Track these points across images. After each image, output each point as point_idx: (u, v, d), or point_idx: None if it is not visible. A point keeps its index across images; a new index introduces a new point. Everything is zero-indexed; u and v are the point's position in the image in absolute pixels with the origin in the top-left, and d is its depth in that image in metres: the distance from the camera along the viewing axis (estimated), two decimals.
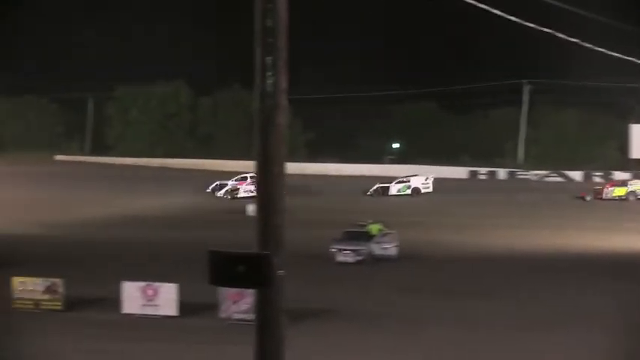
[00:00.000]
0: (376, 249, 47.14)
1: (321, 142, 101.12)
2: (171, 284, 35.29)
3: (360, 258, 46.22)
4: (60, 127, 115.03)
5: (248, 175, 77.55)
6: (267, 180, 10.52)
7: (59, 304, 36.05)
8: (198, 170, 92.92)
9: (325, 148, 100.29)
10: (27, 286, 36.29)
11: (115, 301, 35.58)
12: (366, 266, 45.67)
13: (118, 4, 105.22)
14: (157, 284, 35.46)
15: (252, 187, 72.82)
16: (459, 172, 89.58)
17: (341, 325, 33.64)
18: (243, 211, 62.09)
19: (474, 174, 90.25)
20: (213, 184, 77.71)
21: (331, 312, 35.43)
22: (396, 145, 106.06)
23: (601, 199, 70.94)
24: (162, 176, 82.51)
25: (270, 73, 10.31)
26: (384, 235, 48.44)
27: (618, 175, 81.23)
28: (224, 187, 76.58)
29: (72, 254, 49.47)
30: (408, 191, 74.40)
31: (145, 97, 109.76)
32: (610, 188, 71.86)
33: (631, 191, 70.89)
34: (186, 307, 34.97)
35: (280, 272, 10.37)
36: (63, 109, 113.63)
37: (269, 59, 10.30)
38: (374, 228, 48.57)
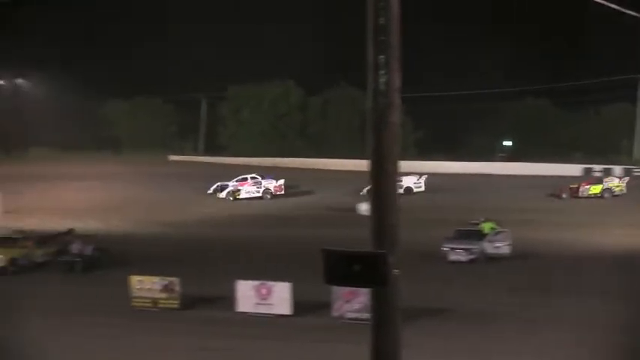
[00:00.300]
0: (489, 248, 46.66)
1: (431, 140, 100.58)
2: (284, 283, 35.53)
3: (472, 257, 45.83)
4: (174, 128, 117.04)
5: (248, 177, 78.14)
6: (381, 178, 10.49)
7: (176, 302, 36.66)
8: (309, 169, 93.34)
9: (435, 146, 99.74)
10: (145, 285, 37.01)
11: (229, 300, 36.02)
12: (479, 265, 45.24)
13: (230, 5, 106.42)
14: (270, 283, 35.75)
15: (255, 188, 73.61)
16: (573, 170, 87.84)
17: (455, 324, 33.38)
18: (354, 209, 62.24)
19: (588, 171, 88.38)
20: (215, 185, 77.08)
21: (445, 311, 35.19)
22: (507, 143, 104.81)
23: (577, 197, 70.32)
24: (274, 175, 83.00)
25: (382, 72, 10.28)
26: (497, 233, 47.91)
27: None
28: (225, 188, 76.00)
29: (188, 253, 50.33)
30: (401, 190, 73.31)
31: (257, 97, 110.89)
32: (586, 186, 71.19)
33: (606, 188, 70.42)
34: (300, 306, 35.17)
35: (396, 271, 10.33)
36: (177, 109, 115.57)
37: (382, 57, 10.27)
38: (486, 226, 48.11)
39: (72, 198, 73.00)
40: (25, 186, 76.42)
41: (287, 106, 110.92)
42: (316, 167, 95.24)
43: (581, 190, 70.76)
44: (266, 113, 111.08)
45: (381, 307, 10.63)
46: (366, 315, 30.70)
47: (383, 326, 10.62)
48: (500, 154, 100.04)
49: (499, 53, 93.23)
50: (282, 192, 75.10)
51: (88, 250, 46.52)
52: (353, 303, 33.52)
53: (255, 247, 52.19)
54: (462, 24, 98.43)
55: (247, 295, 35.67)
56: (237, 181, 76.71)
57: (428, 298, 35.61)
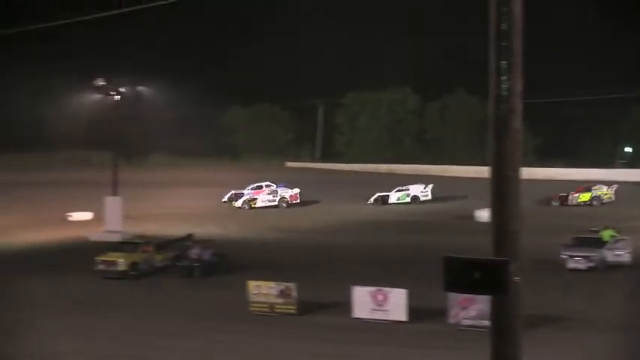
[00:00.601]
0: (609, 255, 45.65)
1: (550, 147, 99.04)
2: (400, 290, 35.40)
3: (591, 265, 44.88)
4: (291, 134, 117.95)
5: (263, 184, 77.94)
6: (503, 185, 10.40)
7: (292, 307, 36.86)
8: (426, 176, 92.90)
9: (554, 153, 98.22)
10: (262, 290, 37.33)
11: (345, 306, 36.07)
12: (599, 273, 44.31)
13: (347, 13, 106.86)
14: (386, 289, 35.68)
15: (270, 197, 73.03)
16: None
17: (574, 333, 32.78)
18: (471, 216, 61.76)
19: None
20: (229, 194, 76.96)
21: (564, 319, 34.57)
22: (628, 149, 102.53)
23: (567, 205, 70.32)
24: (389, 182, 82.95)
25: (504, 78, 10.20)
26: (617, 241, 46.83)
27: None
28: (240, 196, 75.84)
29: (304, 258, 50.64)
30: (408, 199, 74.46)
31: (374, 103, 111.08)
32: (575, 194, 71.25)
33: (595, 196, 70.62)
34: (415, 312, 35.00)
35: (516, 279, 10.22)
36: (294, 116, 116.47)
37: (504, 63, 10.19)
38: (606, 234, 47.09)
39: (191, 204, 74.21)
40: (145, 192, 78.04)
41: (404, 112, 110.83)
42: (432, 174, 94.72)
43: (570, 198, 71.11)
44: (382, 119, 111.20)
45: (501, 315, 10.53)
46: (483, 322, 30.50)
47: (503, 334, 10.52)
48: (621, 161, 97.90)
49: (618, 58, 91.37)
50: (298, 201, 74.89)
51: (207, 255, 47.13)
52: (469, 310, 33.26)
53: (371, 253, 52.16)
54: (581, 30, 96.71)
55: (363, 301, 35.67)
56: (252, 189, 77.16)
57: (546, 306, 35.03)
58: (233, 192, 76.89)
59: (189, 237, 51.28)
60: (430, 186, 75.58)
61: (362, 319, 35.42)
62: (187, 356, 31.40)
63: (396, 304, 35.26)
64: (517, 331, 10.53)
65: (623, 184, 75.23)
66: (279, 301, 37.03)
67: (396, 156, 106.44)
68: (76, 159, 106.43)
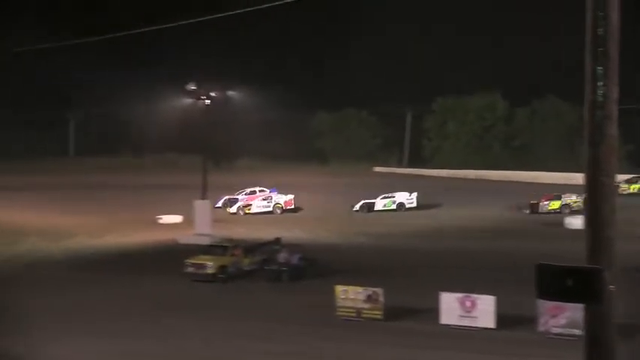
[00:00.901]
0: None
1: None
2: (489, 296, 35.13)
3: None
4: (379, 140, 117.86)
5: (257, 189, 77.65)
6: (598, 192, 10.26)
7: (379, 313, 36.83)
8: (515, 182, 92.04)
9: None
10: (349, 295, 37.38)
11: (433, 312, 35.90)
12: None
13: (435, 18, 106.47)
14: (474, 296, 35.44)
15: (265, 203, 72.70)
16: None
17: None
18: (562, 222, 61.01)
19: None
20: (223, 199, 76.65)
21: None
22: None
23: (537, 212, 71.03)
24: (477, 188, 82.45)
25: (600, 83, 10.06)
26: None
27: None
28: (234, 202, 75.68)
29: (392, 263, 50.58)
30: (393, 206, 74.63)
31: (463, 109, 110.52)
32: (545, 202, 72.21)
33: (565, 204, 71.11)
34: (504, 319, 34.70)
35: (611, 287, 10.06)
36: (382, 122, 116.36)
37: (600, 69, 10.05)
38: None
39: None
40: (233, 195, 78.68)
41: (492, 117, 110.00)
42: (521, 180, 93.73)
43: (541, 205, 71.94)
44: (471, 125, 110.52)
45: (595, 324, 10.36)
46: (573, 331, 30.01)
47: (597, 343, 10.36)
48: None
49: None
50: (292, 207, 74.87)
51: (295, 260, 47.36)
52: (559, 318, 32.84)
53: (459, 258, 51.85)
54: None
55: (451, 308, 35.49)
56: (246, 194, 77.32)
57: None
58: (227, 197, 77.21)
59: (277, 241, 51.60)
60: (415, 194, 75.96)
61: (449, 325, 35.22)
62: None
63: (484, 310, 35.00)
64: (612, 341, 10.35)
65: None
66: (366, 306, 37.03)
67: (484, 162, 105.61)
68: (166, 162, 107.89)
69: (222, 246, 49.96)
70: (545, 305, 32.47)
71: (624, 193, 78.11)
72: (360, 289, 37.37)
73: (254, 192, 77.84)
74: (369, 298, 37.06)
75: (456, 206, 74.78)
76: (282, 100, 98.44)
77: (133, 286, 45.71)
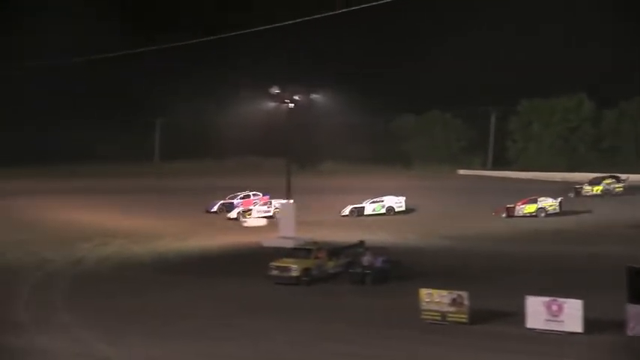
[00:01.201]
0: None
1: None
2: (576, 300, 34.58)
3: None
4: (463, 142, 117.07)
5: (250, 194, 77.07)
6: None
7: (464, 316, 36.54)
8: None
9: None
10: (433, 298, 37.15)
11: (518, 315, 35.56)
12: None
13: (521, 19, 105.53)
14: (561, 300, 34.90)
15: (265, 208, 71.86)
16: None
17: None
18: None
19: None
20: (218, 204, 76.65)
21: None
22: None
23: (513, 216, 71.23)
24: (562, 189, 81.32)
25: None
26: None
27: None
28: (230, 207, 75.60)
29: (475, 267, 50.25)
30: (383, 210, 74.21)
31: (548, 110, 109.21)
32: (521, 205, 72.17)
33: (540, 208, 71.68)
34: (591, 324, 34.14)
35: None
36: (466, 123, 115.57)
37: None
38: None
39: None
40: (318, 198, 78.91)
41: (578, 119, 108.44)
42: None
43: (516, 209, 72.00)
44: (556, 127, 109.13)
45: None
46: None
47: None
48: None
49: None
50: None
51: (379, 262, 47.25)
52: None
53: (545, 262, 51.24)
54: None
55: (537, 312, 35.05)
56: (240, 199, 77.21)
57: None
58: (221, 202, 77.29)
59: (361, 244, 51.54)
60: (403, 197, 75.73)
61: (535, 329, 34.81)
62: None
63: (571, 314, 34.47)
64: None
65: None
66: (451, 309, 36.77)
67: (570, 164, 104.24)
68: (249, 166, 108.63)
69: (306, 249, 50.05)
70: (634, 309, 31.92)
71: (587, 195, 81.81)
72: (444, 292, 37.12)
73: (248, 196, 78.24)
74: (454, 302, 36.79)
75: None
76: (366, 102, 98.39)
77: (217, 288, 46.12)
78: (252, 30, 51.05)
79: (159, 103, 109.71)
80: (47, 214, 75.39)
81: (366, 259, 47.43)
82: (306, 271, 47.40)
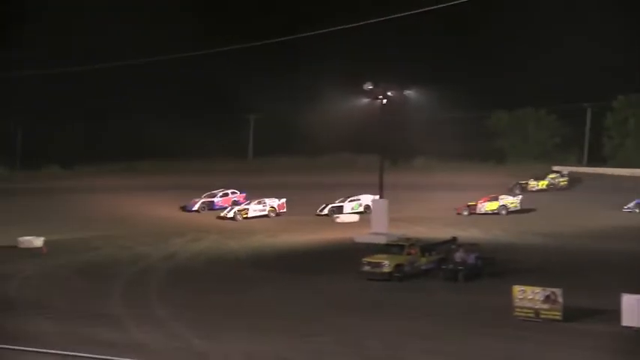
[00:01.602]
0: None
1: None
2: None
3: None
4: (557, 139, 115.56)
5: (229, 192, 77.54)
6: None
7: (558, 313, 36.18)
8: None
9: None
10: (526, 295, 36.88)
11: (613, 313, 35.03)
12: None
13: (616, 13, 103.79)
14: None
15: (260, 207, 72.15)
16: None
17: None
18: None
19: None
20: (200, 203, 77.21)
21: None
22: None
23: (475, 213, 72.41)
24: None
25: None
26: None
27: None
28: (211, 205, 76.48)
29: (569, 264, 49.70)
30: (361, 208, 73.89)
31: None
32: (483, 203, 73.39)
33: (502, 205, 73.34)
34: None
35: None
36: (560, 120, 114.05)
37: None
38: None
39: (454, 207, 74.22)
40: (411, 195, 78.88)
41: None
42: None
43: (478, 206, 73.04)
44: None
45: None
46: None
47: None
48: None
49: None
50: (284, 210, 74.84)
51: (471, 259, 47.08)
52: None
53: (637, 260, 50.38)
54: None
55: (633, 309, 34.48)
56: (220, 197, 77.72)
57: None
58: (202, 201, 77.64)
59: (453, 240, 51.35)
60: (377, 196, 73.46)
61: (631, 327, 34.28)
62: None
63: None
64: None
65: None
66: (545, 306, 36.44)
67: None
68: (342, 162, 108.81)
69: (398, 245, 50.09)
70: None
71: (533, 190, 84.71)
72: (538, 289, 36.80)
73: (226, 194, 78.60)
74: (548, 299, 36.45)
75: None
76: (458, 99, 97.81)
77: (309, 284, 46.42)
78: (347, 27, 51.19)
79: (253, 99, 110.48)
80: (139, 209, 76.88)
81: (458, 256, 47.31)
82: (398, 267, 47.43)
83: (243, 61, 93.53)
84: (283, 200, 75.68)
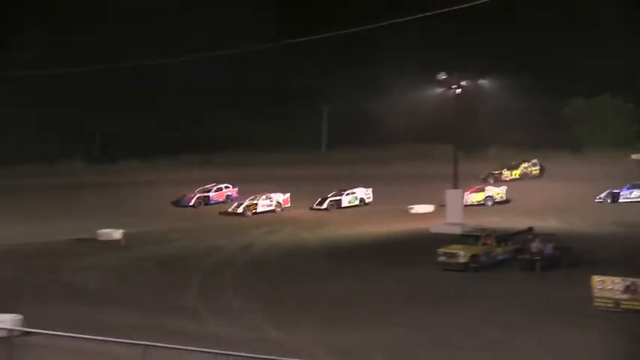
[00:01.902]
0: None
1: None
2: None
3: None
4: (636, 126, 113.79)
5: (222, 186, 77.00)
6: None
7: (639, 304, 35.77)
8: None
9: None
10: (606, 285, 36.54)
11: None
12: None
13: None
14: None
15: (268, 202, 71.77)
16: None
17: None
18: None
19: None
20: (196, 197, 76.73)
21: None
22: None
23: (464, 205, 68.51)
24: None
25: None
26: None
27: None
28: (207, 199, 76.42)
29: None
30: (357, 202, 74.41)
31: None
32: (470, 194, 72.46)
33: (488, 196, 73.55)
34: None
35: None
36: (638, 108, 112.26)
37: None
38: None
39: (534, 197, 73.53)
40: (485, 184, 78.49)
41: None
42: None
43: (465, 197, 70.04)
44: None
45: None
46: None
47: None
48: None
49: None
50: (289, 205, 74.26)
51: (548, 249, 46.69)
52: None
53: None
54: None
55: None
56: (215, 191, 77.39)
57: None
58: (198, 196, 77.11)
59: (529, 230, 50.92)
60: (370, 189, 76.31)
61: None
62: (536, 351, 31.32)
63: None
64: None
65: None
66: (625, 296, 36.07)
67: None
68: (415, 152, 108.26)
69: (474, 235, 49.87)
70: None
71: (507, 179, 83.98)
72: (617, 279, 36.46)
73: (220, 189, 78.09)
74: (628, 289, 36.10)
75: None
76: (534, 87, 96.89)
77: (385, 274, 46.53)
78: (419, 16, 50.96)
79: (327, 91, 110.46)
80: None
81: (534, 246, 47.00)
82: (474, 257, 47.30)
83: (316, 52, 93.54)
84: (288, 195, 75.69)
